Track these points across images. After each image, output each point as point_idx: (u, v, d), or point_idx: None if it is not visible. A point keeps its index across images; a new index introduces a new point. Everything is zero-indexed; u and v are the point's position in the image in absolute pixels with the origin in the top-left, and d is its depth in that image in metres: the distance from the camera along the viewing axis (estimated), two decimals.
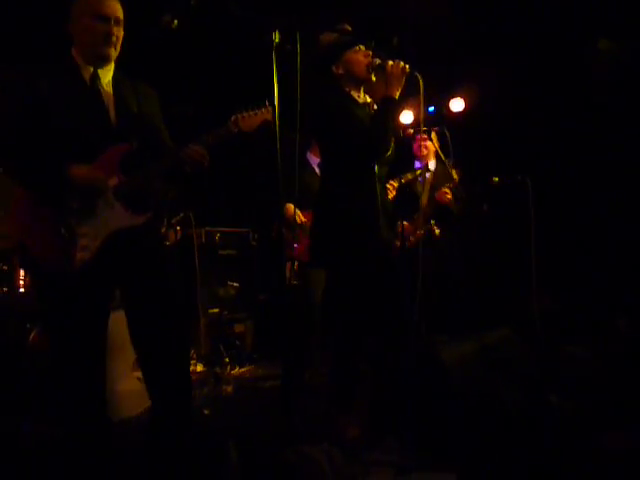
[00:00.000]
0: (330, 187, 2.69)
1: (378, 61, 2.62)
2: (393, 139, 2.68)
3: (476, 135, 5.07)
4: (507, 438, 2.30)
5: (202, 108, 4.59)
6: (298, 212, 3.60)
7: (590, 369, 3.20)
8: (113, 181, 2.01)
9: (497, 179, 3.96)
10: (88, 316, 2.02)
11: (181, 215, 4.18)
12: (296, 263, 3.62)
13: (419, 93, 2.55)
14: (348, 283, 2.61)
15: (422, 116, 2.69)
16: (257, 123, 2.13)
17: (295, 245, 3.58)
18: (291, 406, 2.49)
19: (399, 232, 3.72)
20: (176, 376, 2.09)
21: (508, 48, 4.75)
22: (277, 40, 2.08)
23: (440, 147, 3.84)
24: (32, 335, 3.15)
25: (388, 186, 3.05)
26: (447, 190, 3.89)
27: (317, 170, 3.66)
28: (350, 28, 2.75)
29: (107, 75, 2.09)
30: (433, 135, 3.83)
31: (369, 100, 2.78)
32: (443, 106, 5.14)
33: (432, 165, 4.14)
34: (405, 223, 3.83)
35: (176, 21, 2.19)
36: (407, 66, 2.57)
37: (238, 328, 4.79)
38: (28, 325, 3.22)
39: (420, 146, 4.03)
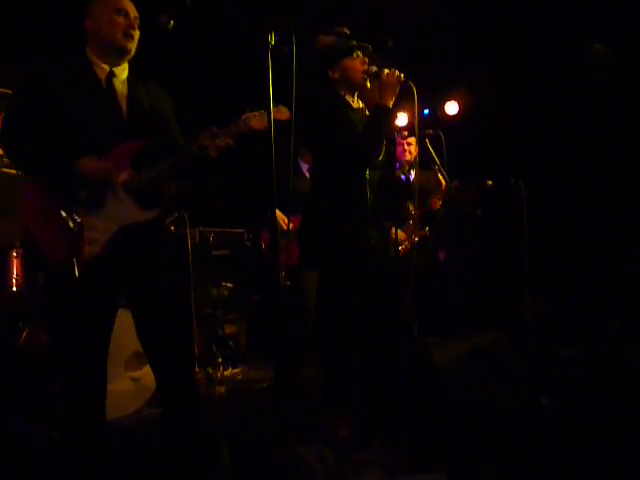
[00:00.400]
0: (320, 190, 2.71)
1: (374, 69, 2.64)
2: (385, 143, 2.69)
3: (470, 138, 5.09)
4: (498, 439, 2.32)
5: (197, 109, 4.59)
6: (284, 218, 3.64)
7: (581, 371, 3.22)
8: (124, 176, 2.03)
9: (491, 182, 3.99)
10: (95, 314, 2.02)
11: (175, 215, 4.18)
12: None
13: (414, 99, 2.57)
14: (337, 285, 2.63)
15: (417, 126, 2.70)
16: (266, 123, 2.14)
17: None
18: (283, 407, 2.49)
19: (393, 239, 3.78)
20: (186, 375, 2.12)
21: (503, 51, 4.78)
22: (273, 41, 2.08)
23: (434, 151, 3.85)
24: (24, 334, 3.14)
25: None
26: (439, 197, 3.93)
27: (308, 176, 3.68)
28: (348, 31, 2.76)
29: (122, 74, 2.13)
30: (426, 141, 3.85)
31: (362, 105, 2.79)
32: (438, 109, 5.17)
33: (412, 175, 4.14)
34: (399, 232, 3.86)
35: (172, 22, 2.19)
36: (402, 75, 2.59)
37: (231, 329, 4.78)
38: (20, 324, 3.21)
39: (404, 150, 4.06)
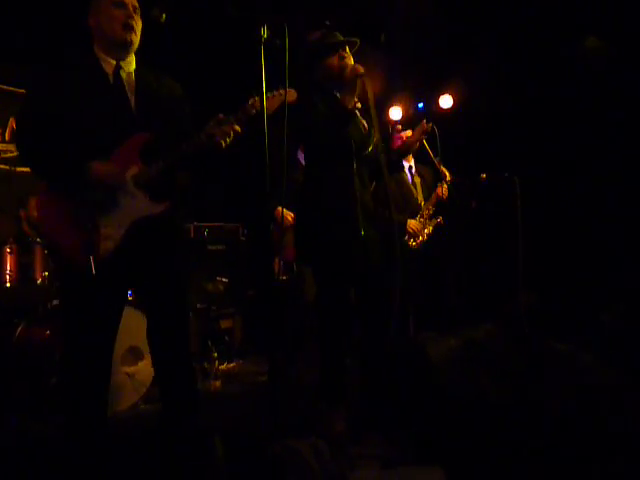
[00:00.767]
0: (309, 184, 2.72)
1: (349, 67, 2.60)
2: (377, 137, 2.67)
3: (464, 132, 5.09)
4: (492, 433, 2.33)
5: (195, 104, 4.57)
6: (290, 213, 3.63)
7: (575, 365, 3.24)
8: (133, 170, 2.05)
9: (485, 176, 4.00)
10: (108, 308, 2.05)
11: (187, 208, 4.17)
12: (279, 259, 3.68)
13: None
14: (328, 280, 2.63)
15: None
16: (276, 105, 2.15)
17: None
18: (278, 401, 2.50)
19: (408, 231, 3.87)
20: (185, 366, 2.17)
21: (497, 44, 4.78)
22: (265, 35, 2.08)
23: (428, 144, 3.84)
24: (18, 330, 3.14)
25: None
26: (445, 185, 3.93)
27: None
28: (333, 26, 2.74)
29: (129, 67, 2.14)
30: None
31: (356, 100, 2.77)
32: (432, 103, 5.16)
33: (408, 165, 4.14)
34: (411, 221, 3.88)
35: (164, 15, 2.19)
36: (358, 66, 2.55)
37: (226, 323, 4.79)
38: (15, 320, 3.21)
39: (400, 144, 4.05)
